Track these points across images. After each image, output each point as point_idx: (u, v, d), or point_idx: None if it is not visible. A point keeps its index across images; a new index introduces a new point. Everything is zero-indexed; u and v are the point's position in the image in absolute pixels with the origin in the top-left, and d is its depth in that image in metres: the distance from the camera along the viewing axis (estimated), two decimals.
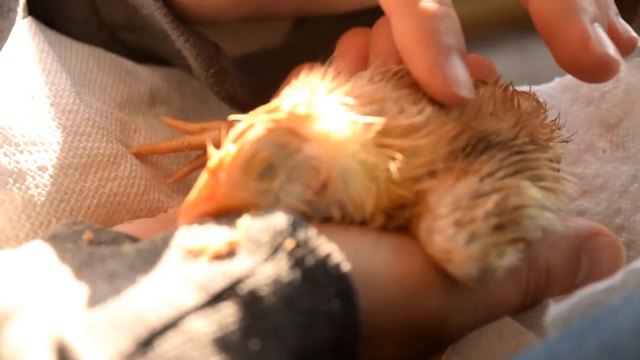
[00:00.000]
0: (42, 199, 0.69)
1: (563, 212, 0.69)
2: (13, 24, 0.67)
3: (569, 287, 0.66)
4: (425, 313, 0.60)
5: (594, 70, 0.64)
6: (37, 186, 0.69)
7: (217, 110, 0.89)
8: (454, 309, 0.61)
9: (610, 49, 0.65)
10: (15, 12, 0.67)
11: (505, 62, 1.82)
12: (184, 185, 0.80)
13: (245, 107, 0.83)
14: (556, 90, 0.85)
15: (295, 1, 0.84)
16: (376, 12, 0.72)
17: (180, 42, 0.78)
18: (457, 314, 0.61)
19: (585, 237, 0.67)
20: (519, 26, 1.80)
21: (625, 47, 0.68)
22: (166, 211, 0.76)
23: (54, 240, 0.62)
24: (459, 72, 0.63)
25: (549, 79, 0.87)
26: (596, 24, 0.65)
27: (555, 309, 0.59)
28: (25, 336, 0.45)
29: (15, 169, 0.69)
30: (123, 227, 0.68)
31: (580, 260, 0.67)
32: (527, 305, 0.65)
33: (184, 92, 0.86)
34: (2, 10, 0.66)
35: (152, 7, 0.77)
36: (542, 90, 0.86)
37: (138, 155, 0.78)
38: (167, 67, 0.87)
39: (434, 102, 0.65)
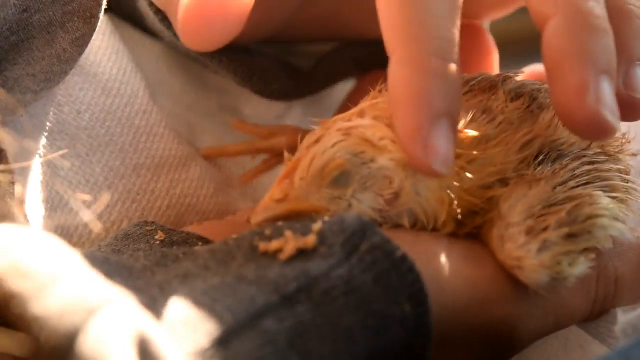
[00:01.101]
0: (114, 199, 0.70)
1: (634, 222, 0.69)
2: (94, 29, 0.68)
3: (637, 297, 0.66)
4: (494, 319, 0.60)
5: (583, 126, 0.58)
6: (109, 186, 0.70)
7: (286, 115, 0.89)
8: (523, 315, 0.61)
9: (607, 109, 0.57)
10: (97, 17, 0.68)
11: None
12: (250, 189, 0.81)
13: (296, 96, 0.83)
14: None
15: (319, 25, 0.82)
16: None
17: (213, 65, 0.77)
18: (525, 321, 0.61)
19: None
20: None
21: (631, 110, 0.61)
22: (234, 214, 0.77)
23: (127, 239, 0.63)
24: (441, 144, 0.58)
25: None
26: (603, 77, 0.58)
27: (626, 317, 0.59)
28: (108, 330, 0.46)
29: (88, 169, 0.70)
30: (193, 228, 0.68)
31: None
32: (595, 314, 0.65)
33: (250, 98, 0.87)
34: (84, 16, 0.67)
35: (171, 36, 0.76)
36: None
37: (207, 157, 0.79)
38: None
39: (505, 109, 0.65)
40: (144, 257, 0.60)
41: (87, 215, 0.68)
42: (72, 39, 0.66)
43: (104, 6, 0.68)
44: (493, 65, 0.82)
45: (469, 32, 0.80)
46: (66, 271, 0.48)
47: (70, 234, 0.69)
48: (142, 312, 0.50)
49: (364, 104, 0.63)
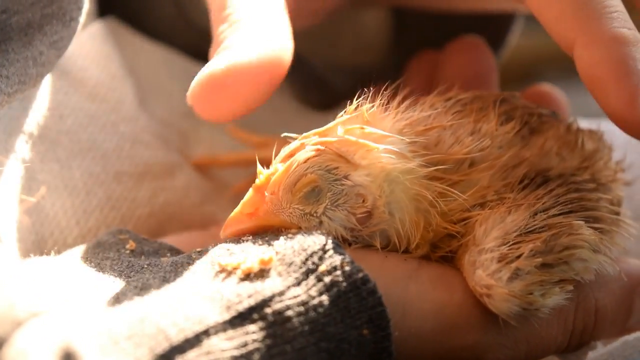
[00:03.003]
0: (93, 205, 0.70)
1: (623, 254, 0.66)
2: (74, 33, 0.68)
3: (620, 330, 0.64)
4: (461, 346, 0.59)
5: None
6: (88, 192, 0.70)
7: (292, 121, 0.88)
8: (492, 344, 0.59)
9: None
10: (77, 21, 0.67)
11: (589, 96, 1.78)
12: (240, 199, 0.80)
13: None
14: None
15: None
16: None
17: None
18: (495, 350, 0.59)
19: (639, 280, 0.64)
20: None
21: None
22: (220, 225, 0.76)
23: (98, 248, 0.63)
24: None
25: None
26: None
27: (596, 352, 0.57)
28: (32, 343, 0.45)
29: (68, 174, 0.69)
30: (172, 239, 0.68)
31: (633, 303, 0.64)
32: (573, 346, 0.63)
33: None
34: (64, 19, 0.66)
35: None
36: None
37: (198, 166, 0.78)
38: None
39: (495, 133, 0.64)
40: (110, 266, 0.60)
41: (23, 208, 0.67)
42: (50, 42, 0.66)
43: (85, 10, 0.68)
44: (492, 82, 0.80)
45: (469, 47, 0.78)
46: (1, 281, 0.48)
47: (46, 239, 0.68)
48: (80, 323, 0.49)
49: (340, 119, 0.62)
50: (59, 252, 0.66)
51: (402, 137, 0.61)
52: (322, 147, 0.61)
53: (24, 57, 0.65)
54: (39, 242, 0.68)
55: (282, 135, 0.63)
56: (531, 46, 1.68)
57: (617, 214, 0.65)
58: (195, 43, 0.84)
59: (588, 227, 0.61)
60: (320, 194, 0.61)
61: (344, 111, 0.62)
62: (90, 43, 0.74)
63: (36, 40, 0.66)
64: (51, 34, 0.67)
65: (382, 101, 0.62)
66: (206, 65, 0.63)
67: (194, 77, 0.81)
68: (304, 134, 0.62)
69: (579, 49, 0.59)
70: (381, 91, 0.62)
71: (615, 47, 0.58)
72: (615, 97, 0.58)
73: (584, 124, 0.70)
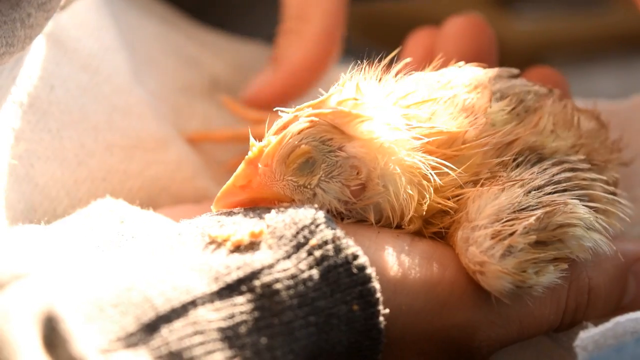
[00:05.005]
0: (84, 176, 0.69)
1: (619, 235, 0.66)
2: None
3: (613, 310, 0.63)
4: (453, 324, 0.58)
5: None
6: (79, 163, 0.69)
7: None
8: (484, 322, 0.59)
9: None
10: None
11: (605, 81, 1.77)
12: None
13: None
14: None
15: None
16: None
17: None
18: (486, 328, 0.59)
19: (634, 259, 0.64)
20: (620, 44, 1.75)
21: None
22: (212, 199, 0.75)
23: (87, 218, 0.62)
24: None
25: None
26: None
27: (587, 333, 0.56)
28: (13, 305, 0.45)
29: (58, 145, 0.69)
30: (164, 212, 0.67)
31: (627, 283, 0.64)
32: (566, 325, 0.62)
33: (246, 81, 0.85)
34: None
35: None
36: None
37: (192, 141, 0.77)
38: (237, 51, 0.86)
39: (488, 110, 0.63)
40: (99, 234, 0.59)
41: None
42: (38, 4, 0.65)
43: None
44: (492, 59, 0.78)
45: (469, 23, 0.77)
46: None
47: (35, 208, 0.68)
48: (64, 288, 0.49)
49: (334, 91, 0.61)
50: (48, 222, 0.66)
51: (395, 109, 0.60)
52: (316, 119, 0.60)
53: (12, 19, 0.64)
54: (28, 211, 0.67)
55: (275, 109, 0.62)
56: (535, 31, 1.68)
57: (613, 194, 0.64)
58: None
59: (583, 205, 0.60)
60: (314, 165, 0.60)
61: (337, 83, 0.61)
62: (84, 13, 0.73)
63: (24, 2, 0.65)
64: None
65: (376, 73, 0.62)
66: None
67: (186, 54, 0.81)
68: (298, 107, 0.61)
69: None
70: (375, 63, 0.62)
71: None
72: None
73: (581, 103, 0.69)
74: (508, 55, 0.85)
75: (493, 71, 0.66)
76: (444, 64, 0.67)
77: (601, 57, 1.86)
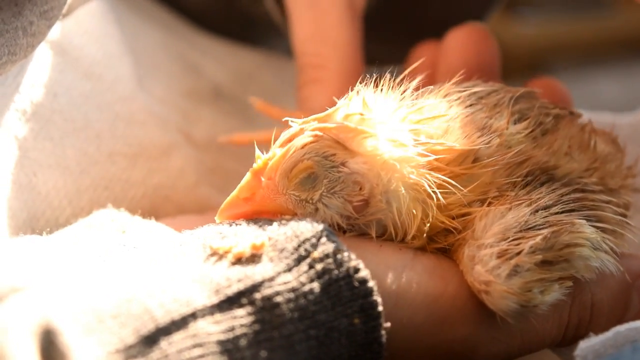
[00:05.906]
0: (86, 185, 0.69)
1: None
2: (64, 3, 0.67)
3: (616, 325, 0.63)
4: (454, 338, 0.58)
5: None
6: (81, 172, 0.69)
7: (290, 106, 0.86)
8: (486, 337, 0.59)
9: None
10: None
11: (608, 86, 1.77)
12: (238, 181, 0.79)
13: None
14: None
15: None
16: None
17: None
18: (488, 344, 0.59)
19: (637, 275, 0.63)
20: (623, 48, 1.74)
21: None
22: (216, 209, 0.75)
23: (89, 228, 0.62)
24: None
25: None
26: None
27: (587, 342, 0.57)
28: (10, 319, 0.45)
29: (61, 153, 0.68)
30: (167, 222, 0.67)
31: (630, 298, 0.63)
32: (568, 340, 0.62)
33: (248, 89, 0.85)
34: None
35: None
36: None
37: (234, 143, 0.76)
38: (238, 59, 0.86)
39: (505, 131, 0.62)
40: (100, 245, 0.59)
41: None
42: (40, 12, 0.65)
43: None
44: (495, 70, 0.78)
45: (472, 34, 0.77)
46: None
47: (37, 217, 0.68)
48: (60, 302, 0.49)
49: (341, 105, 0.61)
50: (50, 231, 0.65)
51: (403, 125, 0.60)
52: (320, 133, 0.59)
53: (14, 27, 0.64)
54: (30, 219, 0.67)
55: (284, 119, 0.62)
56: (538, 35, 1.68)
57: (623, 215, 0.63)
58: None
59: (590, 225, 0.60)
60: (316, 180, 0.60)
61: (345, 97, 0.61)
62: (87, 21, 0.73)
63: (26, 10, 0.65)
64: (41, 4, 0.66)
65: (385, 87, 0.61)
66: None
67: (188, 62, 0.80)
68: (305, 119, 0.61)
69: None
70: (384, 77, 0.61)
71: None
72: None
73: (589, 115, 0.69)
74: (510, 59, 0.84)
75: (515, 90, 0.65)
76: (465, 79, 0.66)
77: (604, 60, 1.86)
